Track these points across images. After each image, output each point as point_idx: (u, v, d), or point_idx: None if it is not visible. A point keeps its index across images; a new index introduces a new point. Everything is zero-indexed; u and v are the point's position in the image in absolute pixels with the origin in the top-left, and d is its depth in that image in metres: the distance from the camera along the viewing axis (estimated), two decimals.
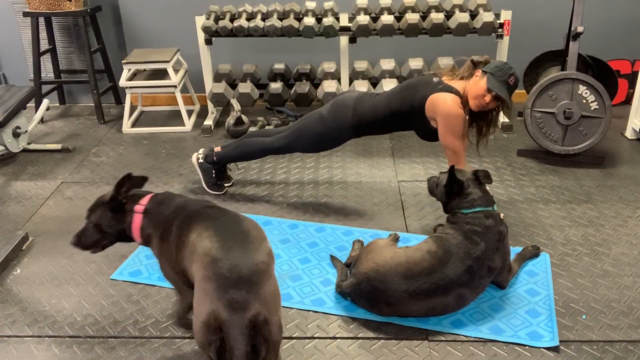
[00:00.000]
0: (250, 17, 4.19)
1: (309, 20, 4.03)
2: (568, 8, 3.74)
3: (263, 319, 1.65)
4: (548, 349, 2.17)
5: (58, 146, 4.06)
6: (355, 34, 4.10)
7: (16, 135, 3.88)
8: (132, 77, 4.38)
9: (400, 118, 2.92)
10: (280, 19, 4.10)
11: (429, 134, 2.92)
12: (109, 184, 3.55)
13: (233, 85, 4.38)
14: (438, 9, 4.11)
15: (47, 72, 4.82)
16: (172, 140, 4.22)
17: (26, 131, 3.96)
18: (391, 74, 4.26)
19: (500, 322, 2.30)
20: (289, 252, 2.78)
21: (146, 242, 2.04)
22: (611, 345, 2.18)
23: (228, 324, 1.61)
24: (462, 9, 4.09)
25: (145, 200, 2.04)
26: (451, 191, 2.47)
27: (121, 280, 2.62)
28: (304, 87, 4.29)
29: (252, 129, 4.18)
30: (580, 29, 3.61)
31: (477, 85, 2.77)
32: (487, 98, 2.75)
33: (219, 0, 4.47)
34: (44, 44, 4.65)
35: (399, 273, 2.23)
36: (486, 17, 3.96)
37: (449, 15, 4.07)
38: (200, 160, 3.33)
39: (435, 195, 2.63)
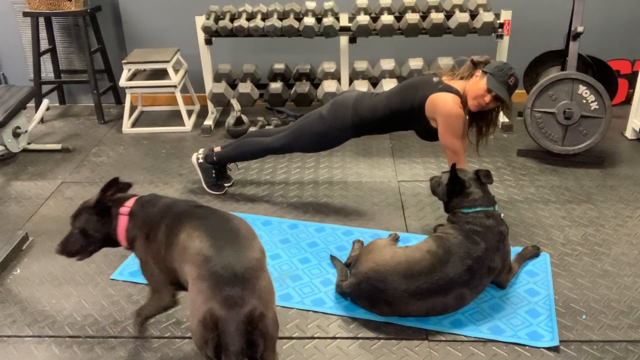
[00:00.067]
0: (250, 17, 4.19)
1: (309, 20, 4.03)
2: (568, 8, 3.74)
3: (259, 313, 1.66)
4: (548, 349, 2.17)
5: (58, 146, 4.06)
6: (355, 34, 4.10)
7: (16, 135, 3.88)
8: (132, 77, 4.38)
9: (400, 118, 2.92)
10: (280, 19, 4.10)
11: (429, 133, 2.92)
12: None
13: (233, 85, 4.38)
14: (438, 9, 4.11)
15: (47, 72, 4.82)
16: (172, 140, 4.22)
17: (26, 131, 3.96)
18: (391, 74, 4.26)
19: (500, 322, 2.30)
20: (289, 252, 2.78)
21: (131, 243, 2.03)
22: (611, 345, 2.18)
23: (224, 321, 1.62)
24: (462, 9, 4.09)
25: (130, 203, 2.04)
26: (452, 190, 2.47)
27: (121, 280, 2.62)
28: (304, 87, 4.29)
29: (252, 129, 4.18)
30: (580, 29, 3.61)
31: (477, 86, 2.77)
32: (487, 98, 2.75)
33: (219, 0, 4.47)
34: (44, 44, 4.65)
35: (399, 273, 2.23)
36: (486, 17, 3.96)
37: (449, 15, 4.07)
38: (200, 160, 3.33)
39: (437, 195, 2.63)
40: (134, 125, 4.51)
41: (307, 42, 4.31)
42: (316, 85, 4.37)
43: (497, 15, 4.06)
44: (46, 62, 4.77)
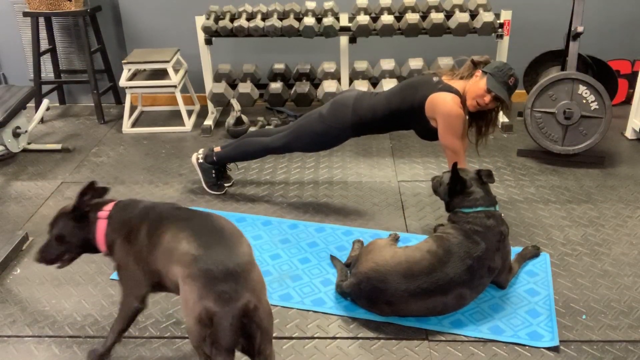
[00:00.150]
0: (250, 17, 4.19)
1: (309, 20, 4.03)
2: (568, 8, 3.73)
3: (253, 306, 1.69)
4: (548, 349, 2.17)
5: (58, 146, 4.06)
6: (355, 34, 4.10)
7: (16, 135, 3.88)
8: (132, 77, 4.38)
9: (400, 117, 2.92)
10: (280, 19, 4.10)
11: (429, 133, 2.93)
12: (109, 184, 3.55)
13: (233, 85, 4.38)
14: (438, 9, 4.11)
15: (47, 72, 4.82)
16: (172, 140, 4.22)
17: (26, 131, 3.96)
18: (391, 74, 4.26)
19: (500, 322, 2.30)
20: (289, 252, 2.78)
21: (110, 248, 2.00)
22: (611, 345, 2.18)
23: (219, 317, 1.64)
24: (462, 9, 4.09)
25: (109, 207, 2.03)
26: (454, 190, 2.47)
27: None
28: (304, 87, 4.29)
29: (252, 129, 4.18)
30: (580, 29, 3.61)
31: (476, 86, 2.77)
32: (487, 98, 2.75)
33: (219, 0, 4.47)
34: (44, 44, 4.65)
35: (399, 272, 2.23)
36: (486, 17, 3.96)
37: (449, 15, 4.07)
38: (200, 161, 3.33)
39: (439, 194, 2.64)
40: (134, 125, 4.51)
41: (307, 42, 4.31)
42: (316, 85, 4.37)
43: (497, 15, 4.06)
44: (46, 62, 4.77)
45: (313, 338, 2.26)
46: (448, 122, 2.78)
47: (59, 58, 4.82)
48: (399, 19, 4.08)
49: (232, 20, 4.19)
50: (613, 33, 4.55)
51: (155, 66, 4.30)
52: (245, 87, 4.27)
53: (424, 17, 4.06)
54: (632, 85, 4.33)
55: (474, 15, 4.06)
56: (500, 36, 4.10)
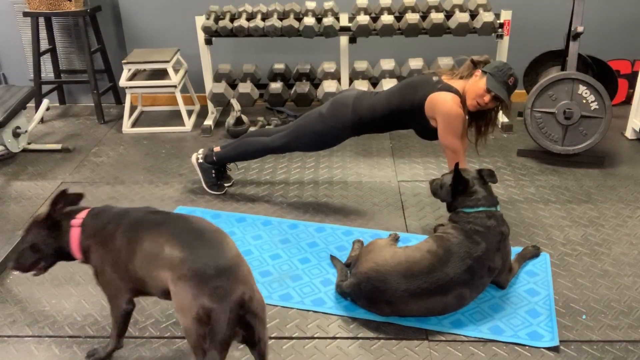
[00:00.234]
0: (250, 17, 4.19)
1: (309, 20, 4.03)
2: (568, 8, 3.73)
3: (248, 297, 1.74)
4: (548, 349, 2.17)
5: (58, 146, 4.06)
6: (355, 34, 4.10)
7: (16, 135, 3.88)
8: (132, 77, 4.38)
9: (400, 117, 2.92)
10: (280, 19, 4.10)
11: (428, 132, 2.93)
12: (109, 184, 3.55)
13: (233, 85, 4.38)
14: (438, 9, 4.11)
15: (47, 72, 4.82)
16: (172, 140, 4.22)
17: (26, 131, 3.96)
18: (391, 74, 4.26)
19: (500, 322, 2.30)
20: (289, 252, 2.78)
21: (86, 255, 2.00)
22: (611, 345, 2.18)
23: (217, 312, 1.67)
24: (462, 9, 4.09)
25: (82, 214, 2.01)
26: (456, 190, 2.46)
27: None
28: (304, 87, 4.29)
29: (252, 129, 4.18)
30: (580, 29, 3.61)
31: (476, 85, 2.78)
32: (487, 98, 2.75)
33: (219, 0, 4.47)
34: (44, 44, 4.65)
35: (399, 272, 2.23)
36: (486, 17, 3.96)
37: (449, 15, 4.07)
38: (200, 161, 3.33)
39: (439, 197, 2.62)
40: (134, 125, 4.51)
41: (307, 42, 4.31)
42: (316, 85, 4.37)
43: (497, 15, 4.06)
44: (46, 62, 4.77)
45: (313, 338, 2.26)
46: (448, 122, 2.78)
47: (59, 58, 4.82)
48: (399, 19, 4.08)
49: (232, 20, 4.19)
50: (613, 33, 4.55)
51: (155, 66, 4.30)
52: (245, 87, 4.27)
53: (424, 17, 4.06)
54: (632, 85, 4.33)
55: (474, 15, 4.06)
56: (500, 36, 4.10)
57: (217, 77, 4.41)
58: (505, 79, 2.74)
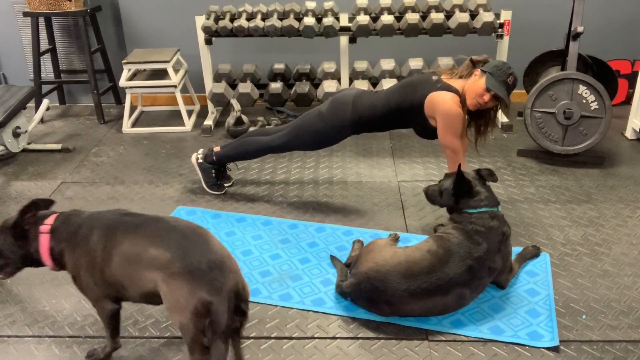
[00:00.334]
0: (250, 17, 4.19)
1: (309, 20, 4.03)
2: (568, 8, 3.74)
3: (242, 286, 1.80)
4: (548, 349, 2.17)
5: (58, 146, 4.06)
6: (355, 34, 4.10)
7: (16, 135, 3.88)
8: (132, 77, 4.38)
9: (399, 115, 2.92)
10: (280, 19, 4.10)
11: (428, 132, 2.93)
12: (109, 184, 3.56)
13: (233, 85, 4.38)
14: (438, 9, 4.11)
15: (47, 72, 4.82)
16: (172, 140, 4.22)
17: (26, 131, 3.96)
18: (391, 74, 4.26)
19: (500, 322, 2.30)
20: (289, 252, 2.78)
21: (58, 261, 1.97)
22: (611, 345, 2.18)
23: (216, 303, 1.69)
24: (462, 9, 4.09)
25: (50, 220, 1.97)
26: (459, 192, 2.45)
27: None
28: (304, 87, 4.29)
29: (252, 129, 4.18)
30: (580, 29, 3.61)
31: (476, 85, 2.78)
32: (486, 97, 2.75)
33: (219, 0, 4.47)
34: (44, 44, 4.65)
35: (399, 272, 2.23)
36: (486, 17, 3.96)
37: (449, 15, 4.07)
38: (200, 160, 3.33)
39: (439, 203, 2.60)
40: (134, 125, 4.51)
41: (307, 42, 4.31)
42: (316, 85, 4.37)
43: (497, 15, 4.06)
44: (46, 62, 4.77)
45: (313, 338, 2.26)
46: (447, 122, 2.78)
47: (59, 58, 4.82)
48: (399, 19, 4.08)
49: (232, 20, 4.19)
50: (613, 33, 4.55)
51: (155, 66, 4.30)
52: (245, 87, 4.27)
53: (424, 17, 4.06)
54: (632, 85, 4.33)
55: (474, 15, 4.06)
56: (500, 36, 4.10)
57: (217, 77, 4.41)
58: (505, 78, 2.74)
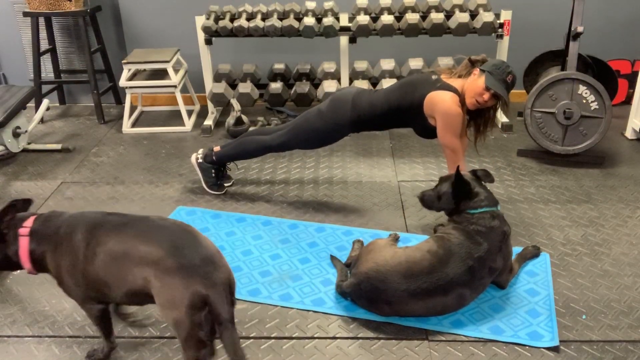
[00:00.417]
0: (250, 17, 4.19)
1: (309, 20, 4.03)
2: (568, 8, 3.74)
3: (232, 278, 1.83)
4: (548, 349, 2.17)
5: (58, 146, 4.06)
6: (355, 34, 4.10)
7: (16, 135, 3.88)
8: (132, 77, 4.38)
9: (399, 114, 2.93)
10: (280, 19, 4.10)
11: (427, 131, 2.93)
12: (109, 184, 3.56)
13: (233, 85, 4.38)
14: (438, 9, 4.12)
15: (47, 72, 4.82)
16: (172, 140, 4.22)
17: (26, 131, 3.96)
18: (391, 74, 4.26)
19: (500, 322, 2.30)
20: (289, 252, 2.78)
21: (38, 263, 1.94)
22: (611, 345, 2.18)
23: (213, 293, 1.71)
24: (462, 9, 4.09)
25: (29, 222, 1.93)
26: (460, 193, 2.45)
27: None
28: (304, 87, 4.29)
29: (252, 129, 4.17)
30: (580, 29, 3.61)
31: (475, 84, 2.78)
32: (486, 96, 2.76)
33: (219, 0, 4.47)
34: (44, 44, 4.65)
35: (399, 272, 2.23)
36: (486, 17, 3.96)
37: (449, 15, 4.07)
38: (200, 160, 3.33)
39: (437, 207, 2.59)
40: (134, 125, 4.51)
41: (307, 42, 4.31)
42: (316, 85, 4.37)
43: (497, 15, 4.06)
44: (46, 62, 4.77)
45: (313, 338, 2.26)
46: (447, 121, 2.78)
47: (59, 58, 4.82)
48: (399, 19, 4.08)
49: (232, 20, 4.19)
50: (613, 33, 4.55)
51: (155, 66, 4.30)
52: (245, 87, 4.27)
53: (424, 17, 4.06)
54: (632, 85, 4.33)
55: (474, 15, 4.06)
56: (500, 36, 4.10)
57: (217, 77, 4.41)
58: (504, 77, 2.75)
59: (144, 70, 4.50)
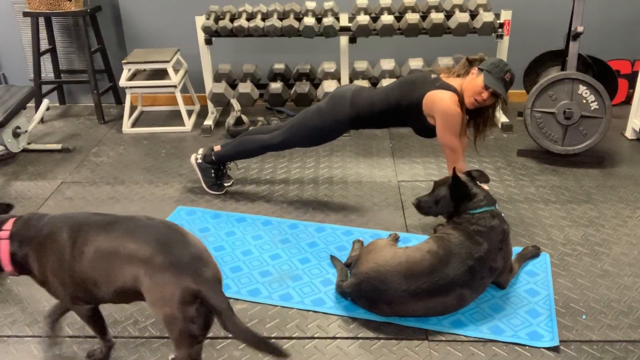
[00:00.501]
0: (250, 17, 4.19)
1: (309, 20, 4.03)
2: (568, 8, 3.74)
3: (221, 276, 1.84)
4: (548, 349, 2.17)
5: (58, 146, 4.06)
6: (355, 34, 4.10)
7: (16, 135, 3.88)
8: (132, 77, 4.38)
9: (398, 113, 2.93)
10: (280, 19, 4.10)
11: (426, 130, 2.94)
12: (109, 184, 3.56)
13: (233, 85, 4.38)
14: (438, 9, 4.12)
15: (47, 72, 4.82)
16: (172, 140, 4.22)
17: (26, 131, 3.96)
18: (391, 74, 4.26)
19: (500, 322, 2.30)
20: (289, 252, 2.78)
21: (20, 266, 1.92)
22: (611, 345, 2.18)
23: (204, 289, 1.71)
24: (462, 9, 4.09)
25: (8, 225, 1.92)
26: (459, 195, 2.45)
27: None
28: (304, 87, 4.29)
29: (252, 129, 4.17)
30: (580, 29, 3.61)
31: (473, 83, 2.78)
32: (485, 95, 2.76)
33: (219, 0, 4.47)
34: (44, 44, 4.65)
35: (400, 273, 2.23)
36: (486, 17, 3.96)
37: (449, 15, 4.07)
38: (199, 161, 3.33)
39: (435, 212, 2.57)
40: (134, 125, 4.51)
41: (307, 42, 4.31)
42: (316, 85, 4.37)
43: (497, 15, 4.06)
44: (46, 62, 4.77)
45: (313, 338, 2.26)
46: (446, 121, 2.78)
47: (59, 58, 4.82)
48: (399, 19, 4.08)
49: (232, 20, 4.19)
50: (613, 33, 4.55)
51: (155, 66, 4.30)
52: (245, 87, 4.27)
53: (424, 17, 4.06)
54: (632, 85, 4.33)
55: (474, 15, 4.06)
56: (500, 36, 4.10)
57: (217, 77, 4.41)
58: (502, 75, 2.75)
59: (144, 70, 4.50)
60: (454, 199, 2.46)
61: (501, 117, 4.26)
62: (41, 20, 4.54)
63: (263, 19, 4.13)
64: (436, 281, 2.21)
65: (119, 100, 4.99)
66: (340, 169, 3.68)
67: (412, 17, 4.00)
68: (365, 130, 4.22)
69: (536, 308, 2.37)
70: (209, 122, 4.36)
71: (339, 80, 4.32)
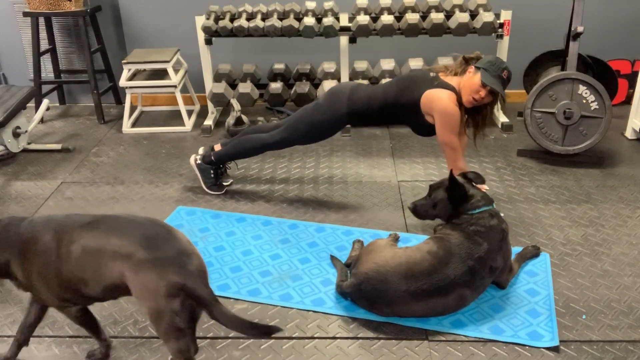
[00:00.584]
0: (250, 17, 4.19)
1: (309, 20, 4.03)
2: (568, 8, 3.74)
3: (206, 269, 1.85)
4: (548, 349, 2.17)
5: (58, 146, 4.06)
6: (355, 34, 4.10)
7: (16, 135, 3.88)
8: (132, 77, 4.38)
9: (395, 110, 2.93)
10: (280, 19, 4.10)
11: (423, 128, 2.94)
12: (109, 184, 3.55)
13: (233, 85, 4.38)
14: (438, 9, 4.12)
15: (47, 72, 4.82)
16: (172, 140, 4.22)
17: (26, 131, 3.96)
18: (391, 74, 4.26)
19: (500, 322, 2.30)
20: (289, 252, 2.78)
21: (4, 270, 1.90)
22: (611, 345, 2.18)
23: (189, 282, 1.72)
24: (462, 9, 4.09)
25: None
26: (457, 197, 2.44)
27: None
28: (304, 87, 4.29)
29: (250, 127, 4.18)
30: (580, 29, 3.61)
31: (471, 81, 2.79)
32: (483, 93, 2.77)
33: (219, 0, 4.47)
34: (44, 44, 4.65)
35: (400, 273, 2.23)
36: (486, 17, 3.96)
37: (449, 15, 4.07)
38: (198, 161, 3.33)
39: (432, 215, 2.56)
40: (134, 125, 4.51)
41: (307, 42, 4.31)
42: (316, 85, 4.37)
43: (497, 15, 4.06)
44: (46, 62, 4.77)
45: (313, 338, 2.26)
46: (445, 120, 2.79)
47: (59, 58, 4.82)
48: (399, 19, 4.08)
49: (232, 20, 4.19)
50: (613, 33, 4.55)
51: (155, 66, 4.30)
52: (245, 87, 4.27)
53: (424, 17, 4.06)
54: (632, 85, 4.33)
55: (474, 15, 4.06)
56: (500, 36, 4.10)
57: (217, 77, 4.41)
58: (499, 73, 2.75)
59: (144, 70, 4.50)
60: (452, 200, 2.46)
61: (501, 117, 4.26)
62: (41, 20, 4.54)
63: (263, 19, 4.13)
64: (436, 281, 2.21)
65: (119, 100, 4.99)
66: (340, 169, 3.68)
67: (412, 17, 4.00)
68: (365, 130, 4.22)
69: (536, 308, 2.37)
70: (209, 122, 4.36)
71: (339, 80, 4.32)
